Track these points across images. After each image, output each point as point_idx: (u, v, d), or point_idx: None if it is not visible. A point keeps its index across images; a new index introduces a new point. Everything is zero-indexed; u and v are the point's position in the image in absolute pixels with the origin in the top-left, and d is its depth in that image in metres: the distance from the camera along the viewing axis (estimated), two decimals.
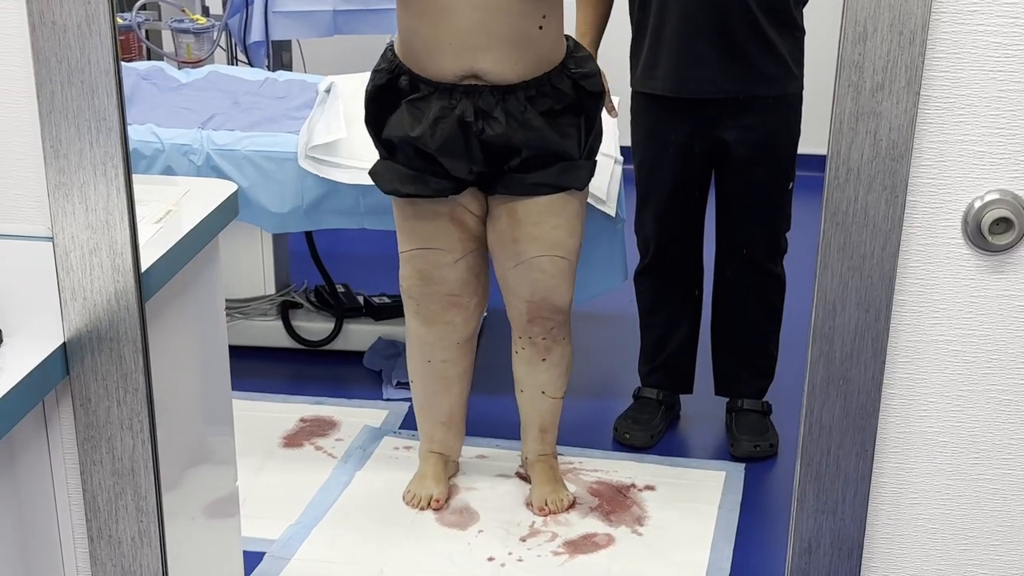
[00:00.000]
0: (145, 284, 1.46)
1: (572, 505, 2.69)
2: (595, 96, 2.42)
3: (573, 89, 2.38)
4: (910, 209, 1.30)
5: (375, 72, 2.44)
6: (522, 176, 2.40)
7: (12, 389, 1.35)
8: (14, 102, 1.36)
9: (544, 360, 2.63)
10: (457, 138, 2.34)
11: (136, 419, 1.48)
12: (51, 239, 1.40)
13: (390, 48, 2.44)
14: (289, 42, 4.13)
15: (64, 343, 1.44)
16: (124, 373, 1.46)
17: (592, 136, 2.45)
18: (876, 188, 1.28)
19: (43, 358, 1.41)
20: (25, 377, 1.38)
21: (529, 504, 2.70)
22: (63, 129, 1.34)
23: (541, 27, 2.32)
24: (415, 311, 2.61)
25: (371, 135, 2.49)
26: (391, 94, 2.40)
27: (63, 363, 1.45)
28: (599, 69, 2.46)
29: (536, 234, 2.46)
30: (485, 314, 3.52)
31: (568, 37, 2.45)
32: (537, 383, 2.66)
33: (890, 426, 1.40)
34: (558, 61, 2.38)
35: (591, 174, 2.48)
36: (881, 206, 1.28)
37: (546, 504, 2.68)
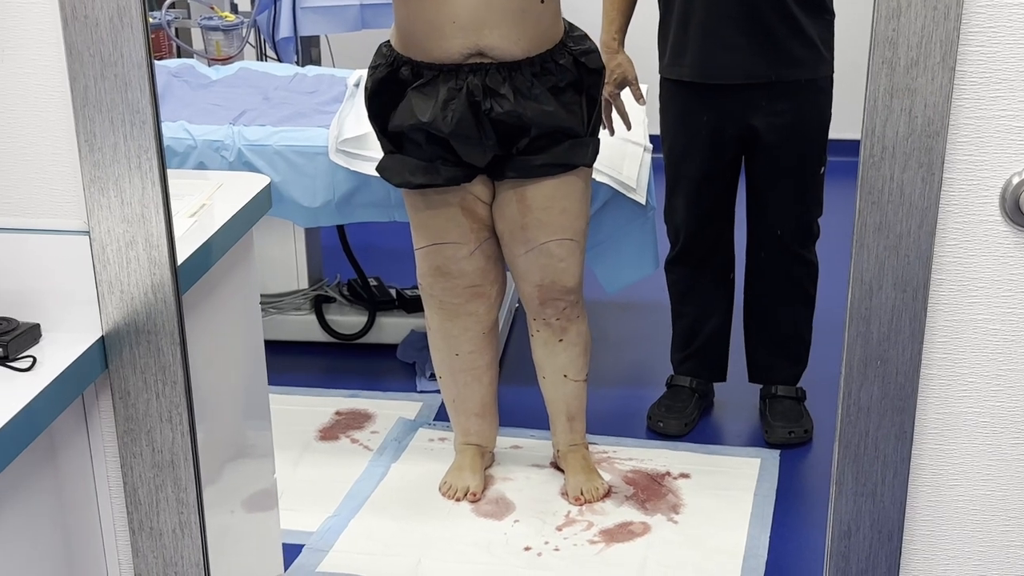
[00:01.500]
0: (181, 277, 1.47)
1: (608, 493, 2.69)
2: (596, 73, 2.42)
3: (574, 66, 2.38)
4: (947, 187, 1.28)
5: (372, 69, 2.44)
6: (530, 158, 2.40)
7: (52, 383, 1.36)
8: (49, 97, 1.37)
9: (561, 341, 2.63)
10: (468, 119, 2.33)
11: (175, 411, 1.49)
12: (88, 233, 1.41)
13: (385, 45, 2.44)
14: (317, 37, 4.14)
15: (102, 336, 1.45)
16: (162, 366, 1.47)
17: (595, 114, 2.45)
18: (912, 166, 1.26)
19: (82, 352, 1.42)
20: (64, 371, 1.39)
21: (564, 494, 2.70)
22: (97, 123, 1.34)
23: (543, 0, 2.32)
24: (437, 307, 2.61)
25: (376, 130, 2.49)
26: (394, 86, 2.40)
27: (102, 357, 1.46)
28: (596, 47, 2.45)
29: (545, 219, 2.46)
30: (517, 305, 3.53)
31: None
32: (557, 365, 2.66)
33: (929, 407, 1.38)
34: (558, 39, 2.38)
35: (596, 151, 2.47)
36: (917, 184, 1.27)
37: (581, 493, 2.68)
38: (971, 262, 1.32)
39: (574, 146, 2.41)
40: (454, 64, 2.32)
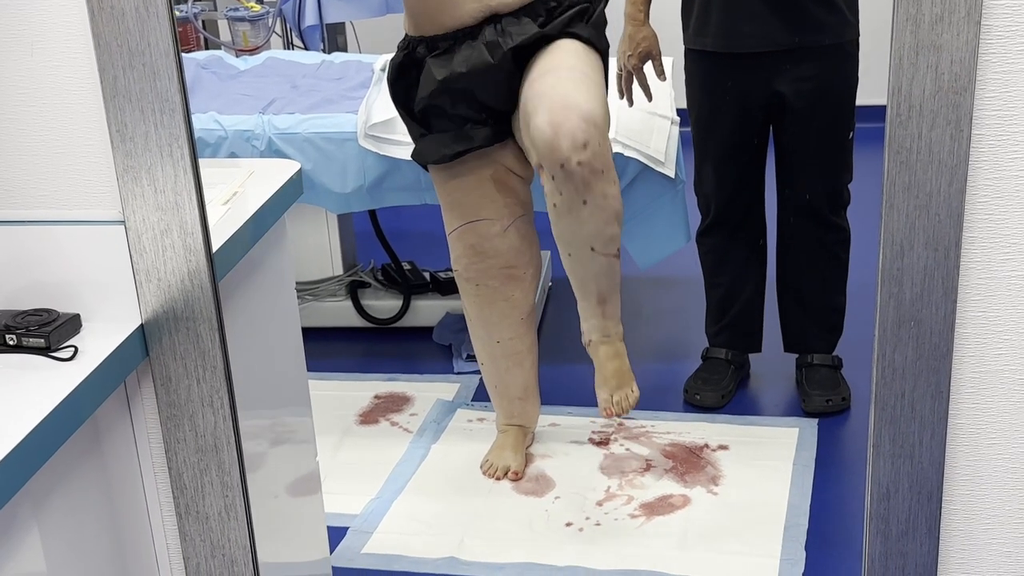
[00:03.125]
0: (216, 264, 1.48)
1: (636, 403, 2.50)
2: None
3: None
4: (976, 143, 1.28)
5: (391, 60, 2.47)
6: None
7: (94, 371, 1.38)
8: (79, 89, 1.38)
9: (585, 203, 2.25)
10: (483, 55, 2.33)
11: (216, 396, 1.50)
12: (123, 223, 1.43)
13: (403, 39, 2.46)
14: (343, 24, 4.16)
15: (142, 325, 1.47)
16: (202, 351, 1.48)
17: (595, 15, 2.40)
18: (940, 123, 1.26)
19: (122, 340, 1.44)
20: (106, 359, 1.40)
21: (612, 471, 2.69)
22: (127, 113, 1.36)
23: None
24: (474, 293, 2.61)
25: (403, 115, 2.50)
26: (412, 68, 2.42)
27: (142, 344, 1.48)
28: None
29: (550, 64, 2.31)
30: (551, 284, 3.54)
31: None
32: (583, 236, 2.30)
33: (965, 366, 1.38)
34: None
35: (597, 36, 2.38)
36: (946, 141, 1.26)
37: (612, 402, 2.48)
38: (1003, 219, 1.31)
39: (573, 19, 2.36)
40: (468, 28, 2.34)
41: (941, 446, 1.40)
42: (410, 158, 2.59)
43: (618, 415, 2.49)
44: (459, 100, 2.40)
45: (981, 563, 1.46)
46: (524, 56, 2.36)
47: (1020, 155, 1.29)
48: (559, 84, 2.25)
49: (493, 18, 2.35)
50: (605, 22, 2.44)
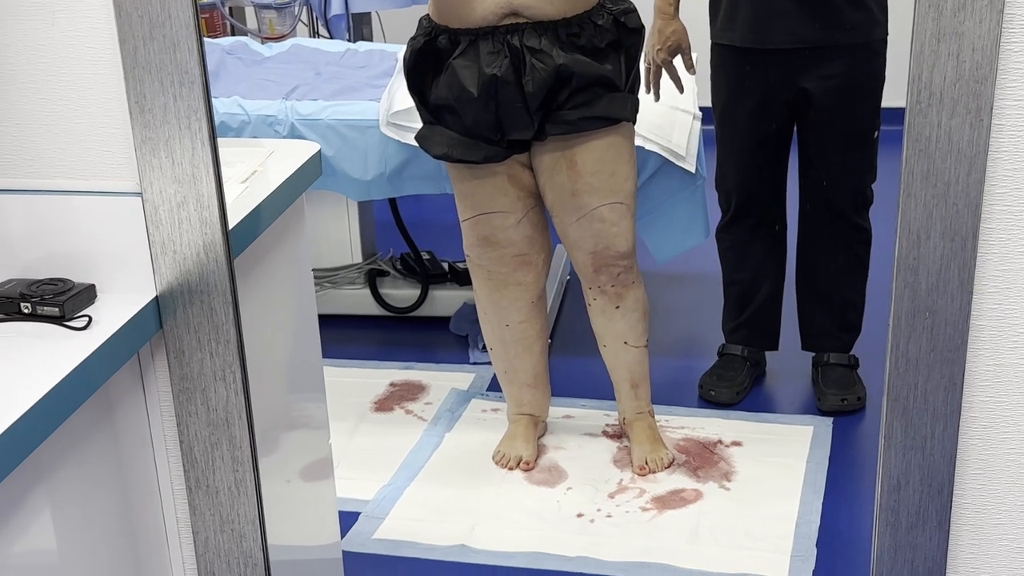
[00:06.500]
0: (233, 241, 1.49)
1: (671, 463, 2.69)
2: (635, 33, 2.41)
3: (614, 26, 2.37)
4: (996, 133, 1.27)
5: (411, 41, 2.46)
6: (570, 112, 2.38)
7: (107, 341, 1.38)
8: (99, 59, 1.39)
9: (618, 308, 2.61)
10: (513, 84, 2.32)
11: (229, 370, 1.51)
12: (140, 194, 1.43)
13: (424, 18, 2.46)
14: (369, 14, 4.17)
15: (156, 297, 1.48)
16: (215, 325, 1.49)
17: (633, 73, 2.44)
18: (960, 112, 1.25)
19: (136, 311, 1.44)
20: (119, 329, 1.41)
21: (624, 464, 2.70)
22: (147, 84, 1.36)
23: None
24: (485, 278, 2.62)
25: (416, 100, 2.50)
26: (432, 57, 2.41)
27: (156, 316, 1.48)
28: (634, 7, 2.44)
29: (595, 183, 2.46)
30: (569, 277, 3.54)
31: None
32: (616, 333, 2.64)
33: (980, 358, 1.37)
34: (595, 0, 2.37)
35: (636, 109, 2.46)
36: (965, 130, 1.26)
37: (646, 463, 2.68)
38: (1021, 210, 1.30)
39: (613, 100, 2.40)
40: (489, 27, 2.33)
41: (953, 439, 1.39)
42: (414, 140, 2.59)
43: (652, 472, 2.68)
44: (479, 115, 2.38)
45: (991, 557, 1.45)
46: (541, 95, 2.36)
47: None
48: (605, 227, 2.50)
49: (516, 27, 2.32)
50: (635, 10, 2.43)
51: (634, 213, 2.56)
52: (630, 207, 2.53)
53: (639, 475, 2.67)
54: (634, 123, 2.50)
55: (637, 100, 2.48)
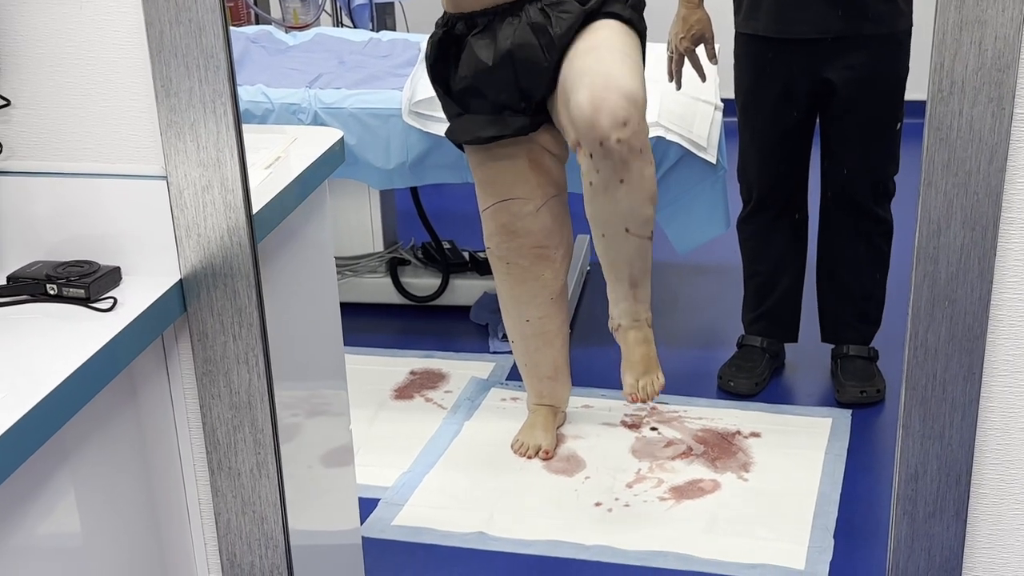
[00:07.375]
0: (256, 226, 1.50)
1: (663, 389, 2.49)
2: None
3: None
4: (1017, 122, 1.26)
5: (430, 37, 2.47)
6: None
7: (132, 323, 1.40)
8: (126, 42, 1.40)
9: (622, 182, 2.24)
10: (531, 40, 2.32)
11: (251, 353, 1.52)
12: (165, 178, 1.44)
13: (440, 18, 2.47)
14: (392, 4, 4.18)
15: (181, 280, 1.49)
16: (239, 308, 1.50)
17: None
18: (981, 100, 1.25)
19: (161, 294, 1.45)
20: (144, 312, 1.42)
21: (643, 454, 2.70)
22: (173, 68, 1.38)
23: None
24: (505, 272, 2.62)
25: (440, 94, 2.50)
26: (451, 46, 2.42)
27: (180, 299, 1.49)
28: None
29: (592, 42, 2.32)
30: (588, 268, 3.54)
31: None
32: (618, 216, 2.29)
33: (999, 348, 1.37)
34: None
35: (637, 18, 2.38)
36: (987, 119, 1.25)
37: (637, 388, 2.47)
38: None
39: (612, 4, 2.35)
40: (507, 3, 2.34)
41: (972, 428, 1.39)
42: (444, 135, 2.60)
43: (643, 401, 2.49)
44: (500, 85, 2.40)
45: (1008, 547, 1.45)
46: (566, 39, 2.36)
47: None
48: (601, 62, 2.25)
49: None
50: (644, 4, 2.43)
51: (640, 69, 2.32)
52: (632, 58, 2.30)
53: (630, 401, 2.50)
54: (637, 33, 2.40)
55: (640, 16, 2.40)
